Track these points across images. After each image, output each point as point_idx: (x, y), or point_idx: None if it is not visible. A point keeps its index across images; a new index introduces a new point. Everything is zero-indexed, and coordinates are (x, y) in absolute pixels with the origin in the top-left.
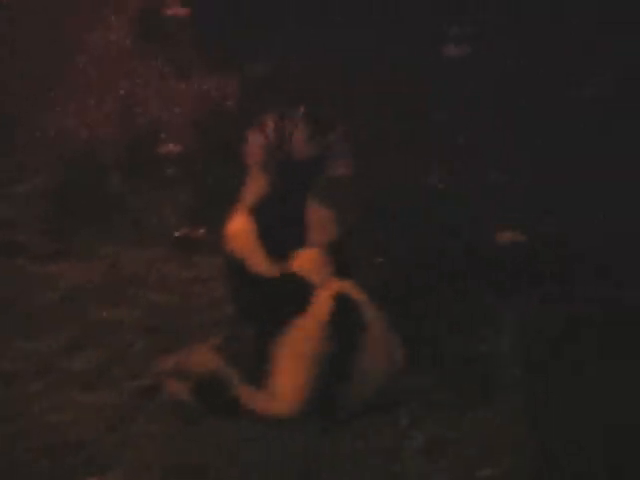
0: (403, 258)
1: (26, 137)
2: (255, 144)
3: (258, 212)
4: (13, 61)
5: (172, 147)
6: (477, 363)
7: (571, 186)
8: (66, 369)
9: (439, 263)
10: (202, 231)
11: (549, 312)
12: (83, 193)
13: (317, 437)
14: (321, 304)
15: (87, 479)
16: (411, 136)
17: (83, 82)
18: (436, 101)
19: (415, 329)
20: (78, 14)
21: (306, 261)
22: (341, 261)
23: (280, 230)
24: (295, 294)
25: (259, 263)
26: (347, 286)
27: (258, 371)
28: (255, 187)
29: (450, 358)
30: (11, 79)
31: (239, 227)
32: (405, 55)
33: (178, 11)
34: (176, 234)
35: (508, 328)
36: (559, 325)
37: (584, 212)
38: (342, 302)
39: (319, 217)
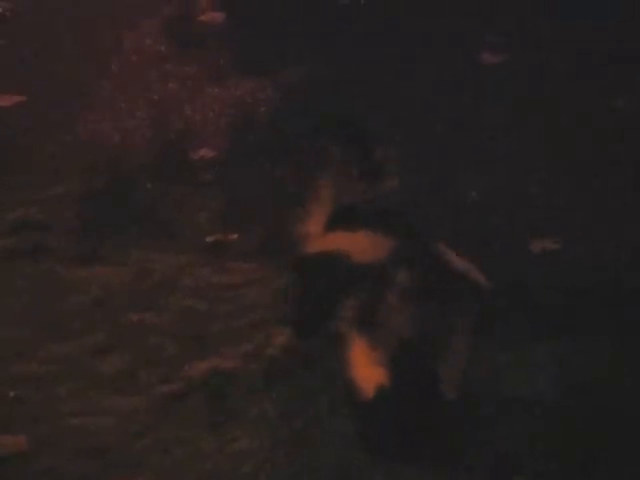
0: None
1: (59, 141)
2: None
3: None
4: (45, 65)
5: (205, 152)
6: None
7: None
8: (95, 372)
9: None
10: (235, 236)
11: None
12: (115, 197)
13: None
14: None
15: None
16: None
17: (116, 87)
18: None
19: None
20: (111, 19)
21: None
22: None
23: None
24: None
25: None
26: None
27: None
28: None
29: None
30: (44, 83)
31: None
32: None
33: (212, 16)
34: (208, 239)
35: None
36: None
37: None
38: None
39: None
